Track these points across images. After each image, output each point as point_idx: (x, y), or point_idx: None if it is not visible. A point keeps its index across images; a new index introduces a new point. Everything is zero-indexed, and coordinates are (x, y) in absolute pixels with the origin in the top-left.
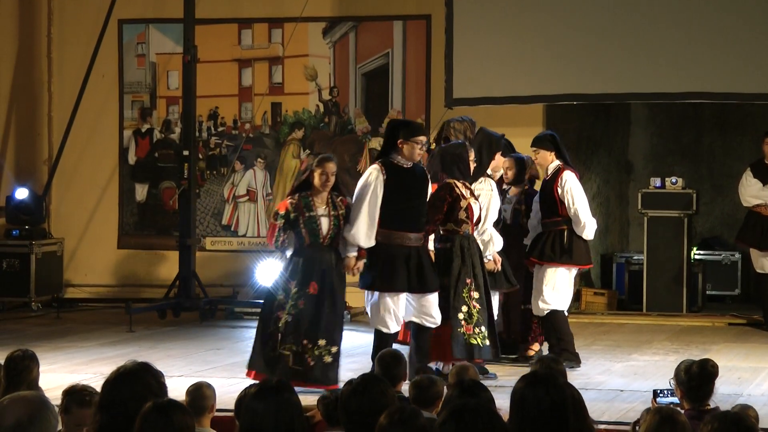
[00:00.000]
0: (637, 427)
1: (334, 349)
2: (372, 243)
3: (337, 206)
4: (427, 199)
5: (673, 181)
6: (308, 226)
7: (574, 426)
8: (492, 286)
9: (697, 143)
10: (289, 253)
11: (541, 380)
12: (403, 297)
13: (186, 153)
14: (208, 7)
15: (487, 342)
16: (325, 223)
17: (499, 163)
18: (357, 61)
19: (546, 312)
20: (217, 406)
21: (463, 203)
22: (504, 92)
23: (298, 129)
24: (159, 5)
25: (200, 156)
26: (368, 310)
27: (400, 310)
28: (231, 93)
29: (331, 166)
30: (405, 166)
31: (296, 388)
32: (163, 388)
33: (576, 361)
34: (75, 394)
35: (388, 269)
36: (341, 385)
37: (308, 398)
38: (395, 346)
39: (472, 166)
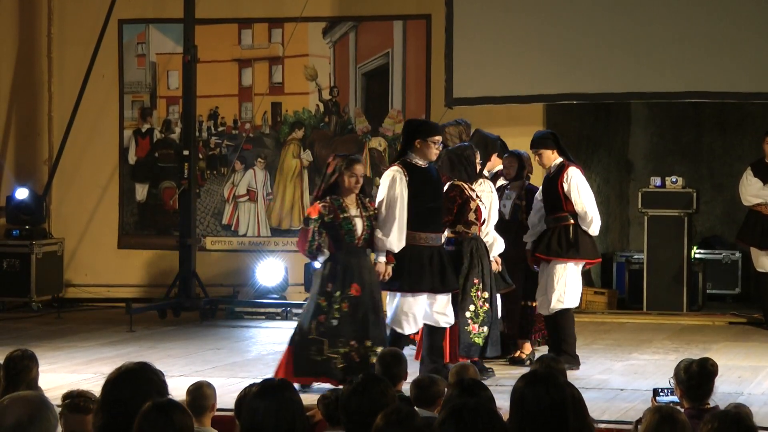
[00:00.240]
0: (639, 426)
1: (379, 350)
2: (402, 246)
3: (367, 207)
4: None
5: (674, 180)
6: (345, 227)
7: (574, 425)
8: None
9: (697, 143)
10: (322, 258)
11: (541, 379)
12: (424, 299)
13: (186, 153)
14: (208, 7)
15: (489, 341)
16: (359, 224)
17: (496, 165)
18: (357, 60)
19: (556, 311)
20: (218, 406)
21: (473, 205)
22: (504, 92)
23: (298, 129)
24: (159, 5)
25: (200, 156)
26: (388, 310)
27: (420, 312)
28: (231, 93)
29: (360, 168)
30: (423, 166)
31: (296, 387)
32: (163, 387)
33: (575, 363)
34: (70, 400)
35: (413, 270)
36: None
37: (309, 397)
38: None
39: (478, 168)
